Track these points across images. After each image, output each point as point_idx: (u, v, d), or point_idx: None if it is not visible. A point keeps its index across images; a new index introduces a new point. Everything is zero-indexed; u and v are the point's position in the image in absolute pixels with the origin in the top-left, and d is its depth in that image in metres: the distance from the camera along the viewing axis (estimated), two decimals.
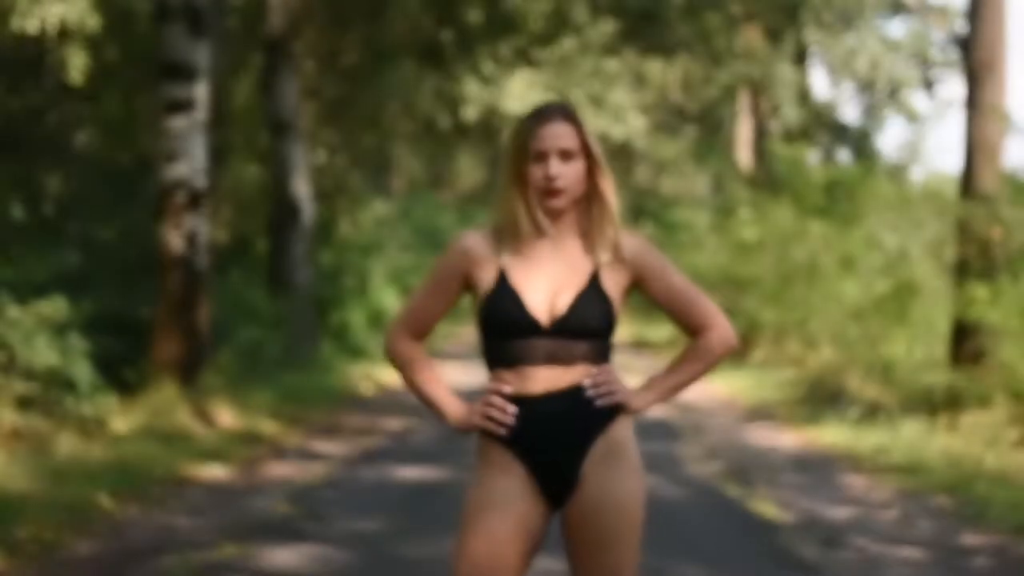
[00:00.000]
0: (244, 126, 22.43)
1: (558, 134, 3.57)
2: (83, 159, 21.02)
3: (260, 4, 18.51)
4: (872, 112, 27.63)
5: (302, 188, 17.38)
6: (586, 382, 3.57)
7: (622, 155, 45.52)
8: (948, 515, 8.71)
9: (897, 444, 11.37)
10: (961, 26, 22.73)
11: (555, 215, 3.61)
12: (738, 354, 20.86)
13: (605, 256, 3.61)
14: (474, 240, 3.66)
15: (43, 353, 10.17)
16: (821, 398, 14.84)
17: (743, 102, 31.09)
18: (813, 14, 21.24)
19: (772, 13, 20.00)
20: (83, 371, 10.47)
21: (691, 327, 3.71)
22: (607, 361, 3.66)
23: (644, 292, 3.69)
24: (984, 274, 13.10)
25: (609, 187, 3.63)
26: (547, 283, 3.58)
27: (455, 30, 16.87)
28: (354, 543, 7.49)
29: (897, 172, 27.26)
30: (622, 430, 3.62)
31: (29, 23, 10.23)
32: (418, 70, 20.00)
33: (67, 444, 9.78)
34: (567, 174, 3.56)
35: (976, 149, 13.81)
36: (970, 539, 7.98)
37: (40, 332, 10.47)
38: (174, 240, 12.48)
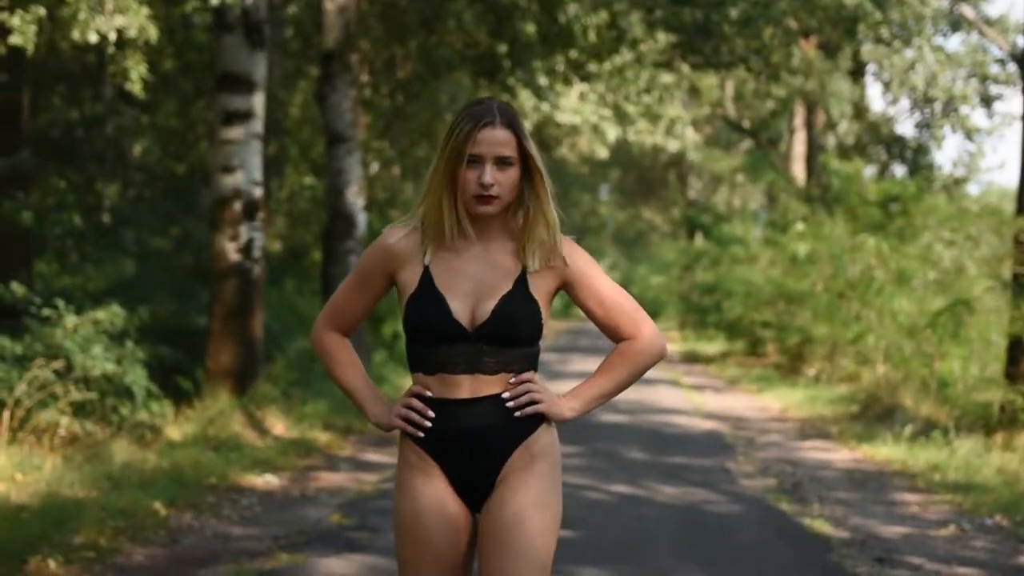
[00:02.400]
0: (299, 137, 22.58)
1: (497, 140, 3.44)
2: (140, 168, 21.23)
3: (316, 16, 18.61)
4: (928, 127, 27.44)
5: (356, 199, 17.44)
6: (505, 394, 3.48)
7: (675, 168, 45.53)
8: (1004, 534, 8.62)
9: (952, 462, 11.27)
10: (1020, 41, 22.54)
11: (484, 219, 3.50)
12: (791, 369, 20.79)
13: (534, 262, 3.50)
14: (399, 237, 3.55)
15: (100, 361, 10.26)
16: (875, 415, 14.74)
17: (798, 116, 30.97)
18: (871, 29, 21.10)
19: (829, 27, 19.88)
20: (139, 379, 10.55)
21: (619, 333, 3.59)
22: (533, 368, 3.55)
23: (572, 297, 3.59)
24: None
25: (546, 194, 3.50)
26: (471, 286, 3.48)
27: (510, 42, 16.87)
28: None
29: (953, 187, 27.08)
30: (543, 440, 3.53)
31: (89, 34, 10.32)
32: (472, 82, 20.06)
33: (123, 451, 9.85)
34: (502, 181, 3.45)
35: None
36: None
37: (97, 340, 10.57)
38: (229, 250, 12.56)
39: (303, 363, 14.40)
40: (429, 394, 3.48)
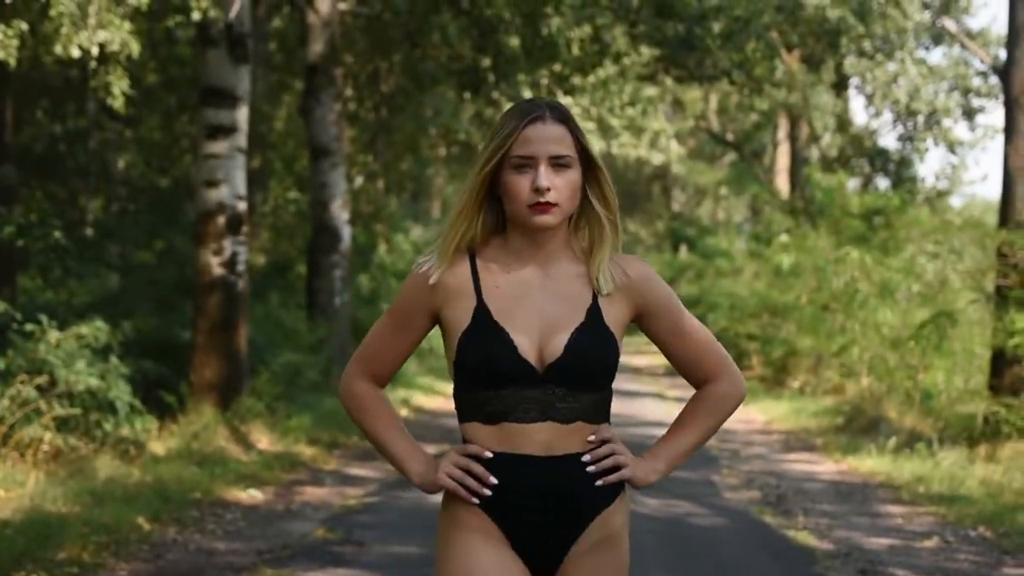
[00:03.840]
0: (283, 150, 22.58)
1: (550, 136, 2.92)
2: (124, 183, 21.20)
3: (300, 29, 18.62)
4: (911, 140, 27.55)
5: (341, 213, 17.44)
6: (586, 457, 2.96)
7: (659, 181, 45.62)
8: (988, 546, 8.64)
9: (936, 474, 11.30)
10: (1002, 54, 22.65)
11: (542, 236, 2.98)
12: (775, 381, 20.82)
13: (607, 283, 2.99)
14: (438, 267, 3.01)
15: (83, 376, 10.23)
16: (860, 427, 14.77)
17: (781, 129, 31.07)
18: (853, 42, 21.19)
19: (812, 41, 19.96)
20: (122, 393, 10.52)
21: (699, 374, 3.11)
22: (606, 419, 3.03)
23: (646, 329, 3.07)
24: None
25: (613, 201, 3.03)
26: (536, 319, 2.95)
27: (494, 56, 16.89)
28: (391, 568, 7.50)
29: (936, 200, 27.19)
30: (620, 515, 3.04)
31: (71, 49, 10.31)
32: (457, 96, 20.08)
33: (106, 466, 9.82)
34: (560, 186, 2.91)
35: (1015, 177, 13.76)
36: (1011, 571, 7.91)
37: (80, 355, 10.54)
38: (213, 263, 12.54)
39: (288, 377, 14.38)
40: (489, 455, 2.93)
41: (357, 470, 11.77)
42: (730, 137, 35.26)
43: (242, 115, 12.79)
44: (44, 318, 10.77)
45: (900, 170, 27.14)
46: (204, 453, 11.04)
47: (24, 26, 10.69)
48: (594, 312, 2.95)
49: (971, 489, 10.58)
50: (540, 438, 2.91)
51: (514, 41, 16.80)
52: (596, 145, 25.78)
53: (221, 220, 12.59)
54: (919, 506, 10.18)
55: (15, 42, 10.46)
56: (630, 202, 51.58)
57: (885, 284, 17.38)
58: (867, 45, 24.34)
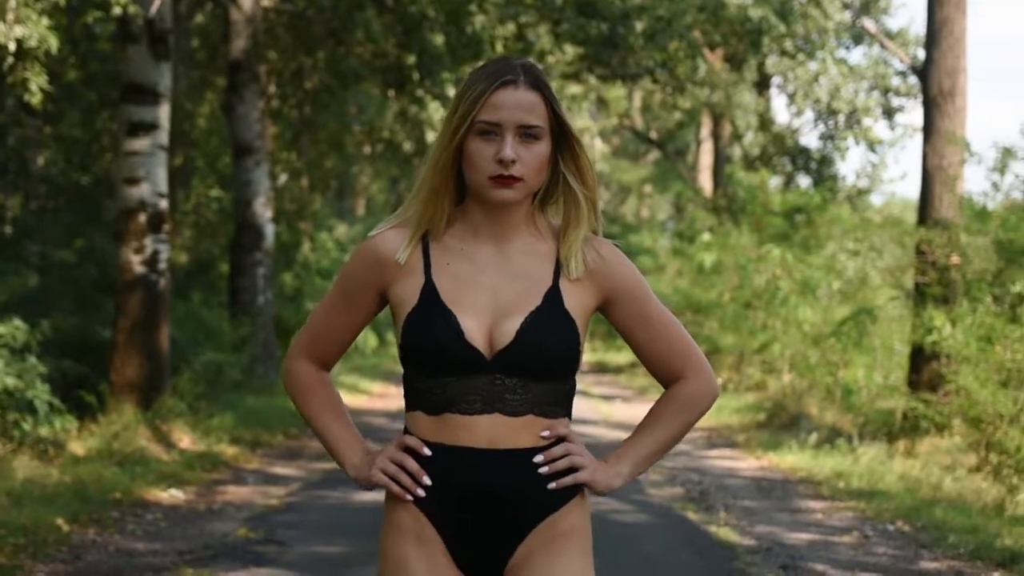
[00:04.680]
0: (206, 148, 22.40)
1: (520, 103, 2.65)
2: (43, 180, 20.94)
3: (223, 26, 18.49)
4: (832, 139, 27.84)
5: (264, 210, 17.35)
6: (538, 457, 2.69)
7: None
8: (906, 540, 8.75)
9: (856, 469, 11.43)
10: (921, 54, 22.94)
11: (503, 210, 2.72)
12: None
13: (577, 267, 2.72)
14: (390, 242, 2.76)
15: (0, 375, 10.10)
16: (781, 423, 14.92)
17: (705, 128, 31.27)
18: (775, 42, 21.38)
19: (734, 40, 20.10)
20: (41, 393, 10.39)
21: (667, 370, 2.83)
22: (566, 414, 2.76)
23: (611, 317, 2.81)
24: (942, 300, 13.22)
25: (591, 178, 2.77)
26: (488, 300, 2.69)
27: (418, 53, 16.87)
28: (314, 568, 7.47)
29: (857, 198, 27.50)
30: (572, 520, 2.75)
31: None
32: (381, 93, 20.03)
33: (24, 467, 9.70)
34: (527, 159, 2.65)
35: (934, 176, 13.95)
36: (928, 564, 8.02)
37: None
38: (134, 262, 12.42)
39: (210, 376, 14.27)
40: (427, 452, 2.69)
41: (280, 469, 11.71)
42: (654, 135, 35.45)
43: (164, 112, 12.68)
44: None
45: (821, 168, 27.42)
46: (125, 453, 10.93)
47: None
48: (553, 296, 2.69)
49: (890, 484, 10.72)
50: (484, 431, 2.66)
51: (438, 38, 16.80)
52: None
53: (142, 218, 12.47)
54: (839, 501, 10.29)
55: None
56: None
57: (806, 282, 17.56)
58: (789, 45, 24.56)
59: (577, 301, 2.71)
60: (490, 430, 2.66)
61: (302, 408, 2.90)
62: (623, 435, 14.64)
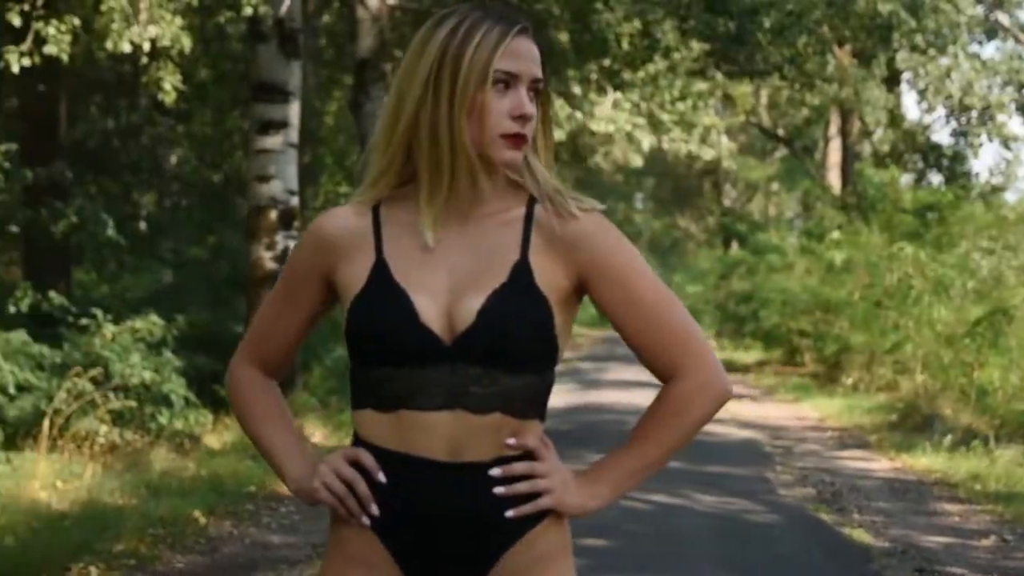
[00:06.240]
0: (334, 145, 22.65)
1: (533, 55, 2.29)
2: (176, 178, 21.34)
3: (350, 25, 18.67)
4: (965, 135, 27.33)
5: None
6: (495, 471, 2.25)
7: (710, 177, 45.49)
8: None
9: (993, 472, 11.18)
10: None
11: (477, 180, 2.28)
12: (828, 378, 20.70)
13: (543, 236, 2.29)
14: (338, 221, 2.35)
15: (137, 369, 10.30)
16: (914, 424, 14.65)
17: (833, 124, 30.89)
18: (905, 36, 21.03)
19: (864, 36, 19.82)
20: (177, 387, 10.59)
21: (661, 365, 2.34)
22: (539, 415, 2.31)
23: (594, 302, 2.33)
24: None
25: (551, 134, 2.39)
26: (447, 278, 2.27)
27: (543, 51, 16.89)
28: None
29: (990, 195, 26.96)
30: (551, 538, 2.31)
31: (122, 44, 10.38)
32: None
33: (162, 459, 9.89)
34: (535, 119, 2.31)
35: None
36: None
37: (135, 349, 10.61)
38: (265, 258, 12.58)
39: (340, 371, 14.42)
40: (382, 479, 2.26)
41: None
42: (781, 132, 35.08)
43: (293, 110, 12.84)
44: (99, 312, 10.85)
45: (953, 165, 26.92)
46: None
47: (76, 21, 10.78)
48: (521, 269, 2.25)
49: None
50: (444, 434, 2.23)
51: (563, 36, 16.78)
52: (646, 140, 25.71)
53: (273, 215, 12.63)
54: (976, 504, 10.07)
55: (68, 37, 10.55)
56: (680, 197, 51.52)
57: (939, 280, 17.24)
58: (919, 40, 24.12)
59: (549, 277, 2.26)
60: (451, 432, 2.23)
61: (241, 418, 2.49)
62: (753, 435, 14.51)
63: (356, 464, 2.29)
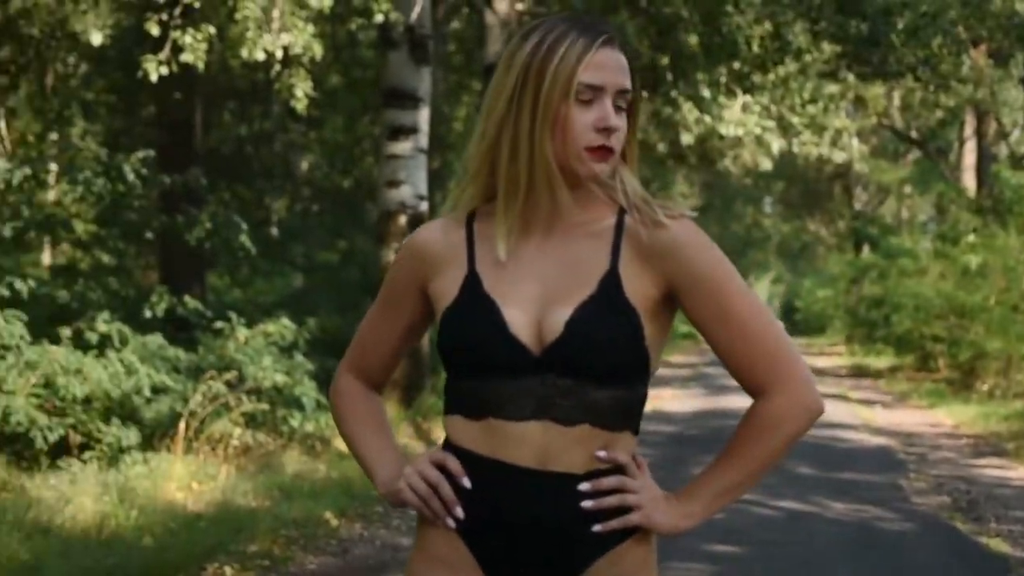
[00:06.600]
0: (462, 151, 22.78)
1: (621, 65, 2.27)
2: (307, 183, 21.62)
3: (478, 30, 18.76)
4: None
5: None
6: (584, 485, 2.24)
7: (841, 180, 44.92)
8: None
9: None
10: None
11: (573, 186, 2.28)
12: (963, 384, 20.32)
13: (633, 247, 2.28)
14: (433, 234, 2.39)
15: (270, 372, 10.44)
16: None
17: (968, 126, 30.32)
18: None
19: (1000, 35, 19.42)
20: (308, 390, 10.71)
21: (752, 381, 2.30)
22: (631, 428, 2.30)
23: (685, 313, 2.31)
24: None
25: (635, 147, 2.36)
26: (537, 290, 2.27)
27: (672, 55, 16.79)
28: None
29: None
30: (637, 556, 2.29)
31: (256, 52, 10.55)
32: None
33: (293, 461, 10.01)
34: (622, 129, 2.28)
35: None
36: None
37: (267, 352, 10.76)
38: None
39: None
40: (467, 484, 2.26)
41: None
42: (914, 134, 34.52)
43: (423, 116, 12.93)
44: (233, 316, 11.03)
45: None
46: None
47: (212, 30, 10.97)
48: (610, 280, 2.24)
49: None
50: (533, 442, 2.23)
51: (693, 39, 16.69)
52: (776, 144, 25.47)
53: (403, 220, 12.73)
54: None
55: (203, 46, 10.73)
56: (810, 201, 50.90)
57: None
58: None
59: (638, 288, 2.24)
60: (540, 442, 2.23)
61: (341, 426, 2.51)
62: (885, 441, 14.29)
63: (442, 468, 2.30)
